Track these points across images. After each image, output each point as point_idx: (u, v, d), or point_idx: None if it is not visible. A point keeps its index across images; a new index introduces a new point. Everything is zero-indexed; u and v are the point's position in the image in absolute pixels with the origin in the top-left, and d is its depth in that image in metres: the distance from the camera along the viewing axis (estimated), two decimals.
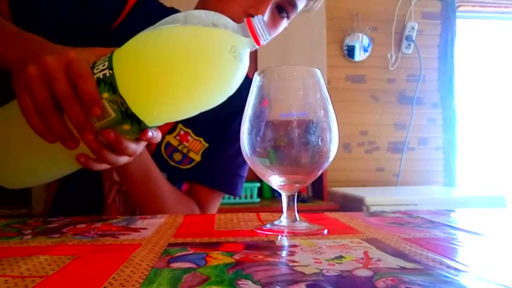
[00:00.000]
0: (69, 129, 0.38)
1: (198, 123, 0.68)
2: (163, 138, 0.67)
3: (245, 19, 0.38)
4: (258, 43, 0.39)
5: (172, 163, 0.69)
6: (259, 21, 0.38)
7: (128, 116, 0.38)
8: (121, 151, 0.41)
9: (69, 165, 0.44)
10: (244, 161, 0.44)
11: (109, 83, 0.37)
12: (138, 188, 0.59)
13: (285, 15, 0.64)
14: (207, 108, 0.41)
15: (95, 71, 0.38)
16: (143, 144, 0.44)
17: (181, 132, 0.68)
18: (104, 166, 0.43)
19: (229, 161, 0.72)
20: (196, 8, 0.64)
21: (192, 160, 0.70)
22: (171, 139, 0.68)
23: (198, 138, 0.70)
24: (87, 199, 0.67)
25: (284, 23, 0.66)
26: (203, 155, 0.71)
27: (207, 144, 0.71)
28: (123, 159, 0.43)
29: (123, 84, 0.37)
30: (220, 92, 0.40)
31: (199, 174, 0.71)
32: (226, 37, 0.38)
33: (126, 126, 0.39)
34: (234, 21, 0.39)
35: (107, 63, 0.38)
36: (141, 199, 0.61)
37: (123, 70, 0.38)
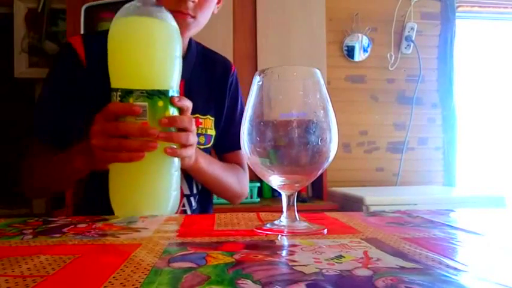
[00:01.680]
0: (142, 142, 0.51)
1: (199, 106, 0.75)
2: None
3: None
4: None
5: (202, 148, 0.77)
6: None
7: (151, 95, 0.52)
8: (182, 126, 0.54)
9: (166, 173, 0.56)
10: None
11: (124, 92, 0.52)
12: (210, 177, 0.73)
13: None
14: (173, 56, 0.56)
15: (116, 99, 0.53)
16: (191, 119, 0.57)
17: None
18: (189, 151, 0.57)
19: (239, 123, 0.79)
20: None
21: (211, 136, 0.81)
22: None
23: (205, 116, 0.80)
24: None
25: None
26: (215, 128, 0.82)
27: (213, 118, 0.82)
28: (193, 138, 0.57)
29: (128, 82, 0.52)
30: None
31: (225, 144, 0.85)
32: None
33: (160, 103, 0.52)
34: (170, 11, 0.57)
35: (114, 94, 0.53)
36: (214, 184, 0.76)
37: (118, 78, 0.54)
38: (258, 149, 0.39)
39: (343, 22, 2.24)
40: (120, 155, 0.51)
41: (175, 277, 0.23)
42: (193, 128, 0.57)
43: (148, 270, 0.25)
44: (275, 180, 0.40)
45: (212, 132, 0.81)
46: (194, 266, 0.25)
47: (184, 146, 0.56)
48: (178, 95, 0.56)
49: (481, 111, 2.42)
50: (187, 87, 0.77)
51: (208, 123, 0.80)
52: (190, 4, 0.68)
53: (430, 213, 0.50)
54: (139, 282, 0.22)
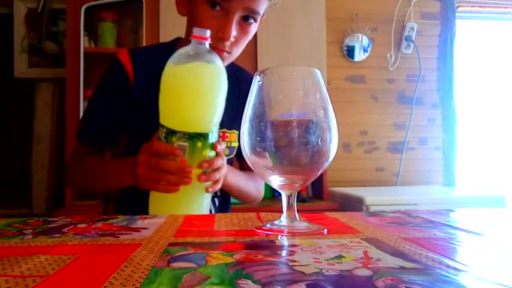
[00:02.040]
0: (178, 177, 0.59)
1: (225, 122, 0.79)
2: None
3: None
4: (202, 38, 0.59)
5: (227, 158, 0.82)
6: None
7: (192, 137, 0.58)
8: (216, 167, 0.62)
9: (199, 197, 0.64)
10: None
11: (169, 131, 0.58)
12: (235, 188, 0.79)
13: (252, 21, 0.74)
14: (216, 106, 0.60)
15: (161, 138, 0.59)
16: (223, 158, 0.64)
17: (220, 134, 0.81)
18: (219, 186, 0.65)
19: None
20: (186, 32, 0.80)
21: (235, 147, 0.87)
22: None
23: (231, 130, 0.85)
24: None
25: (254, 27, 0.77)
26: (239, 141, 0.87)
27: (238, 132, 0.87)
28: (224, 171, 0.65)
29: (174, 123, 0.58)
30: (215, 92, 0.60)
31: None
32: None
33: (199, 144, 0.59)
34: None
35: (161, 129, 0.60)
36: (237, 193, 0.83)
37: (165, 117, 0.60)
38: (258, 149, 0.39)
39: (343, 22, 2.24)
40: (158, 185, 0.60)
41: (175, 277, 0.23)
42: (223, 163, 0.65)
43: (148, 270, 0.25)
44: (275, 180, 0.40)
45: (236, 144, 0.87)
46: (194, 266, 0.25)
47: (216, 181, 0.65)
48: (218, 138, 0.64)
49: (481, 111, 2.42)
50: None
51: (233, 136, 0.87)
52: (228, 43, 0.73)
53: (430, 213, 0.50)
54: (139, 282, 0.22)
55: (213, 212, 0.83)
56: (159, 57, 0.82)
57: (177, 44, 0.84)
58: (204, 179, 0.61)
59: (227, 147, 0.85)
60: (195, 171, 0.59)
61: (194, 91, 0.59)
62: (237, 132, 0.87)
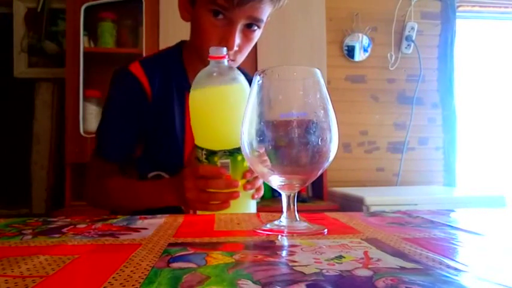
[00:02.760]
0: (227, 194, 0.62)
1: None
2: None
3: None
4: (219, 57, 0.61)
5: None
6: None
7: (232, 153, 0.61)
8: (256, 174, 0.62)
9: (247, 203, 0.68)
10: None
11: (209, 152, 0.62)
12: None
13: (255, 28, 0.74)
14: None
15: (202, 160, 0.63)
16: None
17: None
18: (262, 191, 0.69)
19: None
20: (191, 38, 0.79)
21: None
22: None
23: None
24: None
25: (258, 33, 0.76)
26: None
27: None
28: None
29: (212, 144, 0.61)
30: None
31: None
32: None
33: (239, 157, 0.61)
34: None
35: (199, 151, 0.63)
36: None
37: (202, 139, 0.63)
38: (258, 149, 0.38)
39: (343, 22, 2.24)
40: (211, 206, 0.62)
41: (175, 277, 0.23)
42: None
43: (148, 270, 0.24)
44: (275, 180, 0.40)
45: None
46: (194, 266, 0.25)
47: (259, 188, 0.68)
48: None
49: (481, 111, 2.42)
50: None
51: None
52: (231, 51, 0.72)
53: (430, 214, 0.50)
54: (139, 283, 0.22)
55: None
56: (170, 63, 0.82)
57: (182, 48, 0.83)
58: (249, 187, 0.64)
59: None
60: (240, 183, 0.62)
61: (224, 111, 0.61)
62: None
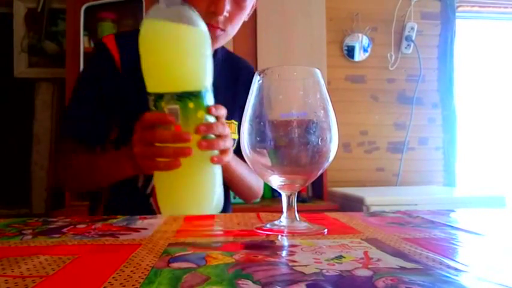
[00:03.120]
0: (176, 148, 0.52)
1: None
2: None
3: None
4: None
5: None
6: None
7: (181, 97, 0.52)
8: (217, 132, 0.55)
9: (209, 172, 0.58)
10: None
11: (156, 96, 0.53)
12: (236, 176, 0.74)
13: None
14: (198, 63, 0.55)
15: (151, 108, 0.54)
16: (225, 125, 0.58)
17: None
18: (228, 157, 0.59)
19: None
20: None
21: (234, 140, 0.79)
22: None
23: (229, 121, 0.79)
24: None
25: (250, 2, 0.72)
26: (238, 132, 0.81)
27: (237, 122, 0.82)
28: (229, 143, 0.58)
29: (159, 86, 0.53)
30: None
31: None
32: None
33: (191, 104, 0.53)
34: (200, 17, 0.55)
35: (149, 98, 0.54)
36: (237, 183, 0.77)
37: (150, 83, 0.54)
38: (257, 149, 0.38)
39: (343, 22, 2.24)
40: (158, 163, 0.54)
41: (175, 277, 0.23)
42: (228, 132, 0.58)
43: (148, 270, 0.24)
44: (275, 180, 0.40)
45: (235, 136, 0.81)
46: (194, 266, 0.25)
47: (223, 151, 0.58)
48: (212, 99, 0.57)
49: (481, 111, 2.42)
50: (212, 92, 0.78)
51: (232, 127, 0.81)
52: (221, 18, 0.68)
53: (430, 214, 0.50)
54: (139, 283, 0.22)
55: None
56: None
57: None
58: (205, 145, 0.54)
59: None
60: (194, 139, 0.53)
61: (175, 49, 0.53)
62: (236, 122, 0.82)
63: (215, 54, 0.81)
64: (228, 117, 0.79)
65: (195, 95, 0.54)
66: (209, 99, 0.56)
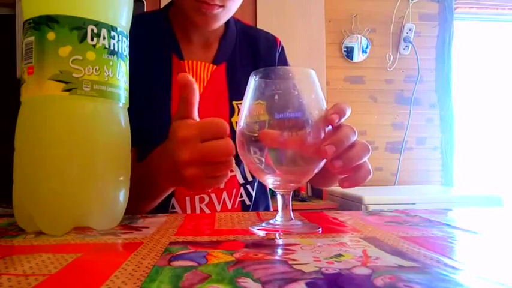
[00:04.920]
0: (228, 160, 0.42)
1: (244, 90, 0.66)
2: (230, 123, 0.67)
3: None
4: None
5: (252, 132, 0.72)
6: None
7: (37, 24, 0.37)
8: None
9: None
10: None
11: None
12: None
13: None
14: None
15: None
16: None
17: (239, 107, 0.68)
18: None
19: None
20: None
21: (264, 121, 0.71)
22: (236, 118, 0.68)
23: (256, 102, 0.72)
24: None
25: None
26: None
27: (264, 102, 0.72)
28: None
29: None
30: None
31: None
32: None
33: (51, 36, 0.37)
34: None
35: None
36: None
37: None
38: (253, 149, 0.39)
39: (342, 23, 2.25)
40: (217, 180, 0.44)
41: (176, 275, 0.23)
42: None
43: (149, 268, 0.25)
44: (270, 180, 0.40)
45: (265, 117, 0.73)
46: (195, 264, 0.26)
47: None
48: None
49: (478, 111, 2.43)
50: (230, 70, 0.71)
51: (261, 108, 0.75)
52: None
53: (428, 213, 0.50)
54: (141, 281, 0.22)
55: (247, 203, 0.71)
56: (154, 26, 0.70)
57: (169, 9, 0.73)
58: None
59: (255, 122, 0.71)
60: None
61: None
62: (264, 102, 0.73)
63: (227, 27, 0.74)
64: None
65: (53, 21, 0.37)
66: None
